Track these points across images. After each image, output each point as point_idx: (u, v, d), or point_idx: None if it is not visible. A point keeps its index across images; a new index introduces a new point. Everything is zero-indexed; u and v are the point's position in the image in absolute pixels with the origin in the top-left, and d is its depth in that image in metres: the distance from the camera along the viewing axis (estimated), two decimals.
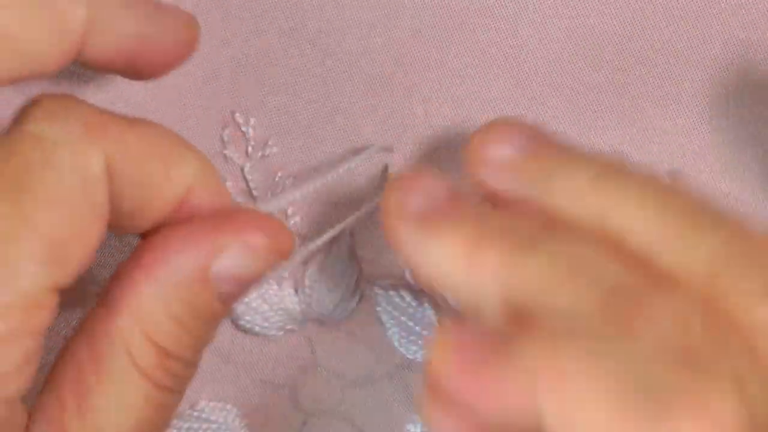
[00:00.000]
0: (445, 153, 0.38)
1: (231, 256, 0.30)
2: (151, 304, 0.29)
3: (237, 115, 0.37)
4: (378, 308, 0.39)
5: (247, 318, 0.39)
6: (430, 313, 0.39)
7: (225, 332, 0.39)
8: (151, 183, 0.30)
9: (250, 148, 0.37)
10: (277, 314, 0.39)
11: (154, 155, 0.29)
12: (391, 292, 0.39)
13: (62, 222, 0.28)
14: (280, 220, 0.32)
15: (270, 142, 0.37)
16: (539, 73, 0.37)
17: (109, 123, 0.29)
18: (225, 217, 0.31)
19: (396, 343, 0.39)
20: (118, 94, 0.35)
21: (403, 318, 0.39)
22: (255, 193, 0.37)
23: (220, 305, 0.31)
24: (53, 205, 0.27)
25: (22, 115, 0.29)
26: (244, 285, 0.31)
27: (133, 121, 0.30)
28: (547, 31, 0.37)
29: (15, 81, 0.29)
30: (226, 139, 0.37)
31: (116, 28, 0.29)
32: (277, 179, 0.37)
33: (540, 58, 0.37)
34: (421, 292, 0.39)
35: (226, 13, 0.35)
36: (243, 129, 0.37)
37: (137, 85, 0.35)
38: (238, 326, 0.39)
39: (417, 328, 0.39)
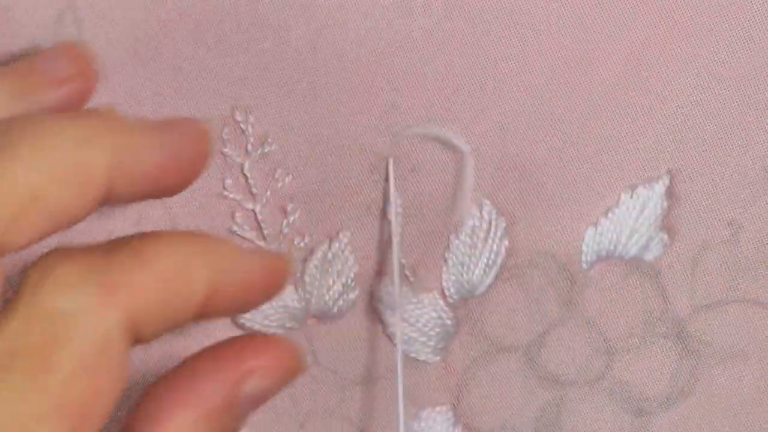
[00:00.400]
0: (443, 152, 0.38)
1: (255, 380, 0.31)
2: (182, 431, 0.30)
3: (236, 112, 0.37)
4: (378, 305, 0.39)
5: (247, 316, 0.39)
6: (430, 309, 0.39)
7: (225, 332, 0.39)
8: (175, 311, 0.30)
9: (249, 146, 0.37)
10: (277, 312, 0.39)
11: (174, 287, 0.29)
12: (392, 288, 0.39)
13: (83, 392, 0.28)
14: (293, 342, 0.32)
15: (269, 139, 0.37)
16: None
17: (124, 274, 0.28)
18: (247, 341, 0.32)
19: (396, 341, 0.39)
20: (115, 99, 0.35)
21: (403, 314, 0.39)
22: (254, 190, 0.37)
23: (239, 425, 0.31)
24: (75, 378, 0.27)
25: (35, 285, 0.28)
26: (260, 403, 0.32)
27: (145, 254, 0.29)
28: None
29: (43, 239, 0.29)
30: (225, 137, 0.37)
31: (138, 166, 0.29)
32: (276, 176, 0.37)
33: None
34: (421, 287, 0.39)
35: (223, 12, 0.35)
36: (242, 126, 0.37)
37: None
38: (237, 325, 0.39)
39: (417, 324, 0.39)
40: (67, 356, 0.27)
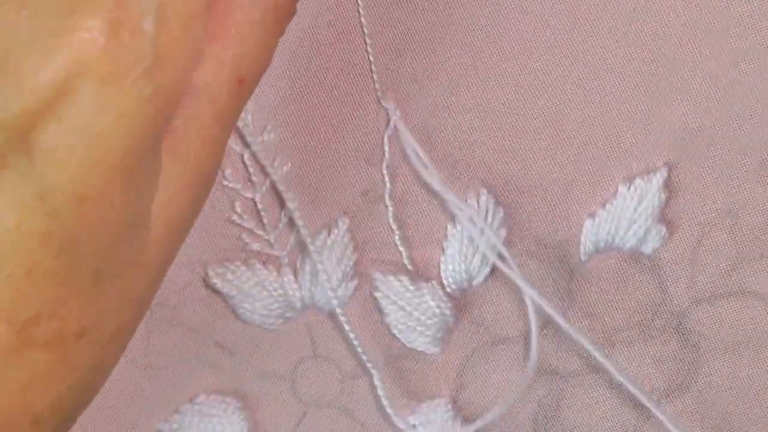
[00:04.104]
0: (442, 150, 0.38)
1: None
2: None
3: None
4: (376, 293, 0.39)
5: (247, 306, 0.39)
6: (428, 298, 0.39)
7: (224, 324, 0.39)
8: None
9: (249, 135, 0.37)
10: (277, 301, 0.39)
11: None
12: (390, 277, 0.39)
13: None
14: None
15: (268, 128, 0.37)
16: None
17: None
18: None
19: (395, 330, 0.39)
20: None
21: (401, 303, 0.39)
22: (254, 179, 0.38)
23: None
24: None
25: None
26: None
27: None
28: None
29: None
30: None
31: None
32: (275, 164, 0.38)
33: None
34: (419, 276, 0.39)
35: None
36: (242, 115, 0.37)
37: None
38: (237, 316, 0.39)
39: (415, 313, 0.39)
40: None
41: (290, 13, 0.28)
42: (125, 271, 0.27)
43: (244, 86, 0.28)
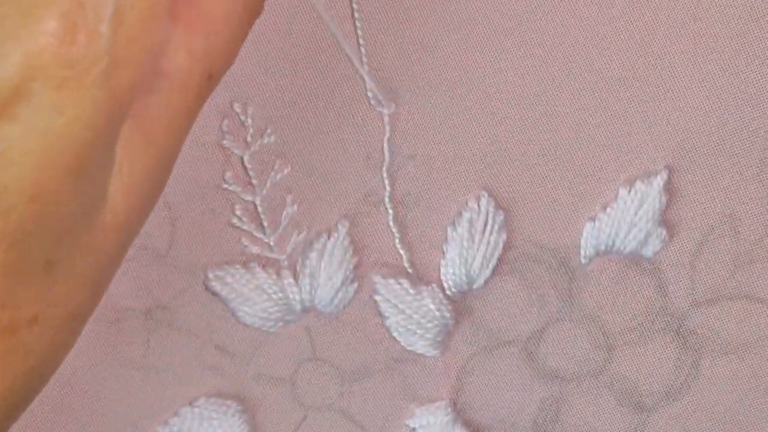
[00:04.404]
0: (444, 147, 0.38)
1: None
2: None
3: (235, 104, 0.37)
4: (376, 297, 0.39)
5: (246, 309, 0.39)
6: (428, 301, 0.39)
7: (224, 327, 0.39)
8: None
9: (249, 137, 0.37)
10: (277, 304, 0.39)
11: None
12: (390, 280, 0.39)
13: None
14: None
15: (268, 130, 0.37)
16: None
17: None
18: None
19: (395, 333, 0.39)
20: None
21: (401, 306, 0.39)
22: (254, 182, 0.38)
23: None
24: None
25: None
26: None
27: None
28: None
29: None
30: (224, 128, 0.37)
31: None
32: (275, 167, 0.38)
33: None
34: (419, 280, 0.39)
35: None
36: (241, 118, 0.37)
37: None
38: (237, 319, 0.39)
39: (415, 316, 0.39)
40: None
41: (257, 12, 0.29)
42: (78, 258, 0.27)
43: (212, 81, 0.28)
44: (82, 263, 0.27)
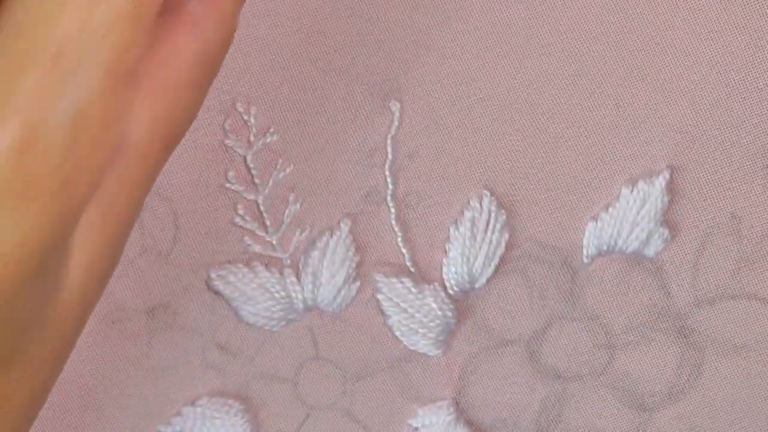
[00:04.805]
0: (447, 147, 0.38)
1: None
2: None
3: (238, 103, 0.37)
4: (379, 295, 0.39)
5: (249, 308, 0.39)
6: (430, 300, 0.39)
7: (227, 326, 0.39)
8: None
9: (251, 136, 0.37)
10: (279, 303, 0.39)
11: None
12: (393, 279, 0.39)
13: None
14: None
15: (271, 129, 0.37)
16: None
17: None
18: None
19: (397, 332, 0.39)
20: None
21: (404, 305, 0.39)
22: (257, 181, 0.38)
23: None
24: None
25: None
26: None
27: None
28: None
29: None
30: (227, 127, 0.37)
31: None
32: (278, 166, 0.38)
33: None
34: (422, 278, 0.39)
35: None
36: (244, 117, 0.37)
37: None
38: (240, 318, 0.39)
39: (418, 315, 0.39)
40: None
41: (215, 74, 0.28)
42: (34, 347, 0.27)
43: (172, 144, 0.28)
44: (39, 350, 0.27)
